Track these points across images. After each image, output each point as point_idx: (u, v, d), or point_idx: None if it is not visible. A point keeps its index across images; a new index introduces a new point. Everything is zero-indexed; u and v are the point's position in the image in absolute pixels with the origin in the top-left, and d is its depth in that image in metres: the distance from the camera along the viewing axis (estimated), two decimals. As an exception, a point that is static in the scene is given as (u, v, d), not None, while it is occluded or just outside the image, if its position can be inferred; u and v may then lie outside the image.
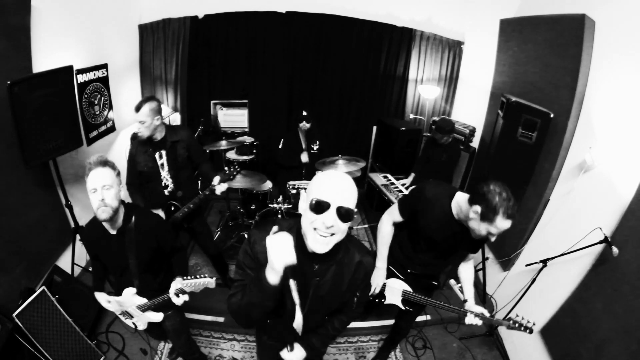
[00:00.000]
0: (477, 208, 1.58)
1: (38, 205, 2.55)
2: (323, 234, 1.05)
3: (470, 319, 1.83)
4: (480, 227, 1.60)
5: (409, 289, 2.10)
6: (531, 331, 1.76)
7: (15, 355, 2.00)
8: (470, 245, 1.89)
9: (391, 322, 2.91)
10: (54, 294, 2.23)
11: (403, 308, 2.15)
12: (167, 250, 1.88)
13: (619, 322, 1.85)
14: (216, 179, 2.32)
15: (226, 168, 2.41)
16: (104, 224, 1.66)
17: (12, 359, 1.98)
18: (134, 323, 1.99)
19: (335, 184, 1.06)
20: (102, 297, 1.91)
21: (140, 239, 1.72)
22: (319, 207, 1.03)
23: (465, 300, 1.94)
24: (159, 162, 2.39)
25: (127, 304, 1.87)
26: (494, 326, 1.82)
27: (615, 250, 1.85)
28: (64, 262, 2.77)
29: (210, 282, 1.75)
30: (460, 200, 1.74)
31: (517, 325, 1.78)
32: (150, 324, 1.99)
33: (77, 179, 3.00)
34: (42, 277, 2.48)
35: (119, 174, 1.64)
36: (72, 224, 2.77)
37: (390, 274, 2.12)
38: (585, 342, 2.02)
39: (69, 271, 2.72)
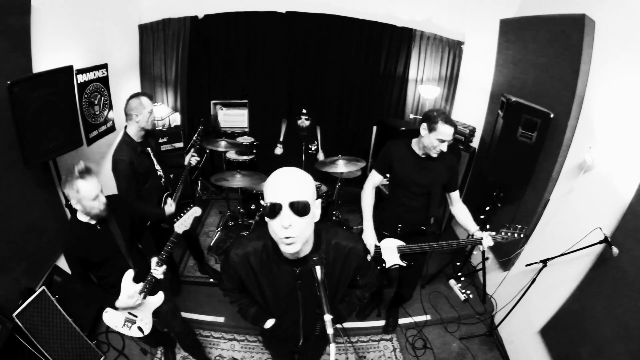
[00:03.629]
0: (424, 125, 2.05)
1: (38, 205, 2.54)
2: (286, 236, 0.98)
3: (486, 242, 2.09)
4: (431, 139, 2.02)
5: (403, 243, 2.30)
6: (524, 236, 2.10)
7: (15, 355, 2.00)
8: (445, 179, 2.19)
9: (391, 322, 2.94)
10: (54, 294, 2.24)
11: (404, 264, 2.33)
12: (138, 225, 2.09)
13: (619, 322, 1.85)
14: (187, 157, 2.70)
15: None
16: (84, 219, 1.81)
17: (12, 359, 1.98)
18: (139, 328, 2.00)
19: (282, 181, 1.00)
20: (115, 318, 1.98)
21: (119, 219, 1.90)
22: (272, 210, 0.97)
23: (472, 234, 2.19)
24: (152, 159, 2.48)
25: (129, 294, 1.89)
26: (503, 241, 2.14)
27: (615, 250, 1.85)
28: (64, 262, 2.75)
29: (197, 210, 1.97)
30: (415, 140, 2.19)
31: (510, 233, 2.08)
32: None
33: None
34: (42, 277, 2.48)
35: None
36: (72, 224, 2.77)
37: (382, 238, 2.33)
38: (585, 342, 2.02)
39: (69, 271, 2.72)
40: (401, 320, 2.93)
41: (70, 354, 2.21)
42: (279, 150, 3.63)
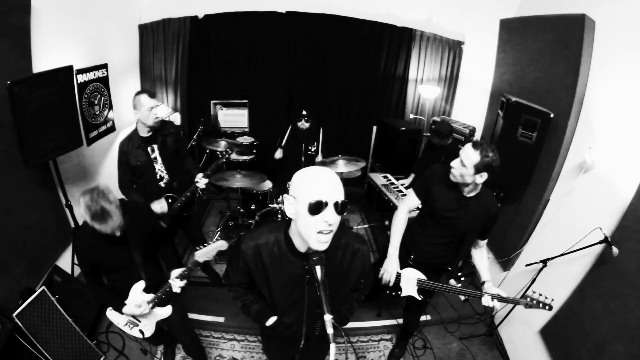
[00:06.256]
0: (485, 175, 1.87)
1: (38, 205, 2.54)
2: (326, 231, 1.06)
3: (486, 300, 1.93)
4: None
5: (423, 277, 2.16)
6: (550, 308, 1.85)
7: (15, 355, 2.00)
8: (478, 228, 1.99)
9: (391, 322, 2.93)
10: (54, 294, 2.23)
11: (419, 298, 2.19)
12: (159, 236, 1.99)
13: (619, 322, 1.85)
14: (199, 175, 2.52)
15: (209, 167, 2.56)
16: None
17: (12, 359, 1.98)
18: (140, 330, 1.96)
19: (326, 180, 1.06)
20: (118, 316, 1.92)
21: (139, 230, 1.82)
22: (318, 207, 1.03)
23: (484, 282, 2.02)
24: (152, 156, 2.46)
25: (137, 303, 1.85)
26: (513, 304, 1.99)
27: (615, 250, 1.85)
28: (64, 262, 2.77)
29: (222, 244, 1.82)
30: None
31: (535, 302, 1.87)
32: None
33: (77, 179, 3.00)
34: (42, 277, 2.48)
35: (115, 199, 1.65)
36: (72, 224, 2.77)
37: (402, 264, 2.13)
38: (585, 342, 2.02)
39: (69, 271, 2.72)
40: (401, 320, 2.93)
41: (70, 354, 2.21)
42: (278, 154, 3.61)
